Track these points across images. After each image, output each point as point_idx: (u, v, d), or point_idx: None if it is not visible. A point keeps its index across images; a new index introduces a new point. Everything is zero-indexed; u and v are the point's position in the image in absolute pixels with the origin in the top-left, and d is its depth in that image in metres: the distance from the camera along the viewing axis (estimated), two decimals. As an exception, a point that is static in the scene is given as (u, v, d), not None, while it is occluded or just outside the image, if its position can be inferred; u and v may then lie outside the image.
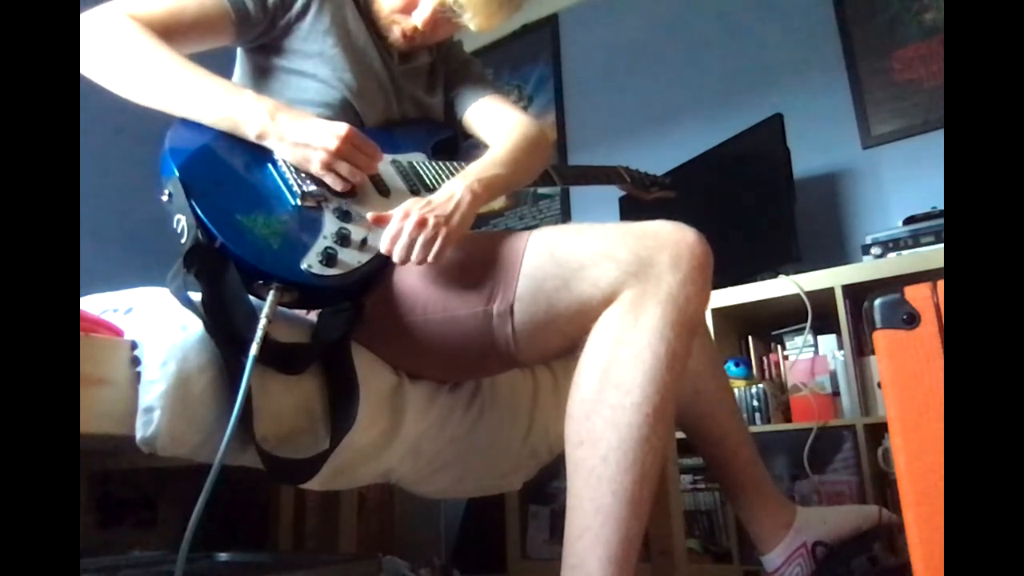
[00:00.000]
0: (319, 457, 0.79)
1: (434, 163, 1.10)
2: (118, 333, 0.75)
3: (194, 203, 0.81)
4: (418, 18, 1.11)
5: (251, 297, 0.80)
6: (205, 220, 0.80)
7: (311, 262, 0.83)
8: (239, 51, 1.10)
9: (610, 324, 0.81)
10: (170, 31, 0.94)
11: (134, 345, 0.73)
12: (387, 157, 1.04)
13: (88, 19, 0.91)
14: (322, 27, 1.05)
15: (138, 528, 1.70)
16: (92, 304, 0.84)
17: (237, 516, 1.66)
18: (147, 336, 0.73)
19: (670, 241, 0.82)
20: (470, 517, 2.38)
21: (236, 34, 1.02)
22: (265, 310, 0.77)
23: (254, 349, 0.73)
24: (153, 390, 0.70)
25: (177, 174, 0.83)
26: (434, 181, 1.08)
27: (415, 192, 1.03)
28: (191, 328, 0.74)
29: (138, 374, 0.71)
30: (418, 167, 1.07)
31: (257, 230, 0.83)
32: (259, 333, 0.74)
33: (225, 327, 0.76)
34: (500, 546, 2.15)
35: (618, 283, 0.81)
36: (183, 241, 0.80)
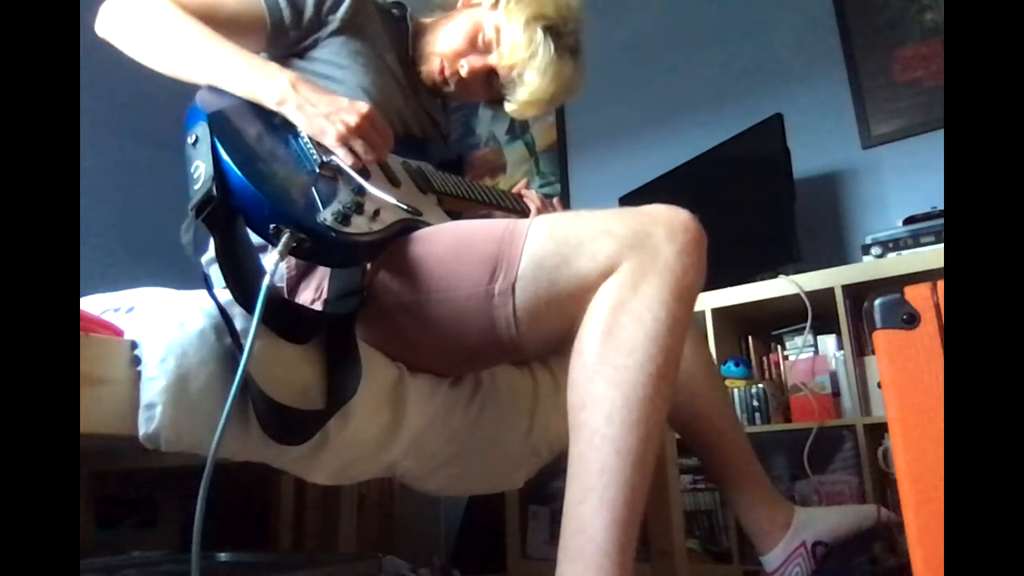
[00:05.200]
0: (317, 415, 0.79)
1: (441, 172, 1.13)
2: (118, 333, 0.75)
3: (219, 145, 0.82)
4: (465, 67, 1.17)
5: (260, 259, 0.83)
6: (228, 162, 0.81)
7: (326, 216, 0.84)
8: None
9: (610, 292, 0.81)
10: (205, 22, 0.95)
11: (134, 345, 0.73)
12: (398, 158, 1.06)
13: None
14: (353, 48, 1.08)
15: (138, 528, 1.70)
16: (92, 304, 0.84)
17: (237, 516, 1.66)
18: (146, 334, 0.73)
19: (665, 218, 0.84)
20: (470, 517, 2.38)
21: (268, 40, 1.04)
22: (279, 248, 0.79)
23: (266, 280, 0.74)
24: (153, 387, 0.70)
25: (206, 119, 0.85)
26: (442, 186, 1.09)
27: (422, 190, 1.05)
28: (189, 324, 0.74)
29: (139, 373, 0.71)
30: (426, 171, 1.10)
31: (277, 180, 0.84)
32: (272, 268, 0.75)
33: (235, 279, 0.77)
34: (500, 546, 2.15)
35: (617, 255, 0.82)
36: (196, 187, 0.82)
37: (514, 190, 1.28)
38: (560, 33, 1.16)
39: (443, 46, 1.18)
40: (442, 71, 1.18)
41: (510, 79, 1.16)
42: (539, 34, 1.13)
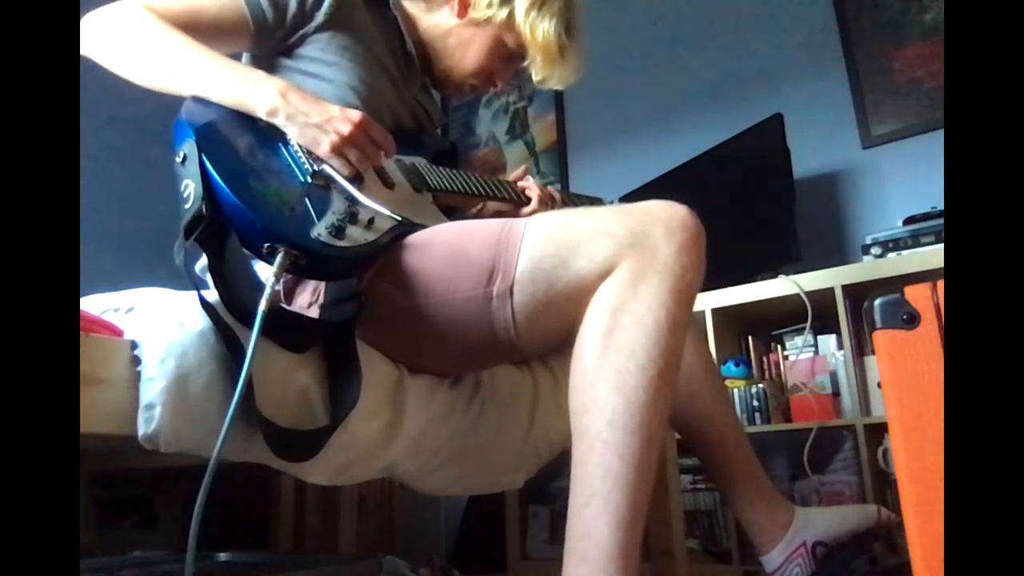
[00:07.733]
0: (321, 432, 0.78)
1: (435, 167, 1.11)
2: (118, 333, 0.75)
3: (208, 163, 0.81)
4: (500, 85, 1.26)
5: (254, 271, 0.82)
6: (218, 181, 0.80)
7: (320, 231, 0.83)
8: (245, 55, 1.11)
9: (609, 293, 0.81)
10: (187, 29, 0.94)
11: (134, 345, 0.73)
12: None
13: (104, 10, 0.93)
14: (340, 43, 1.07)
15: (138, 528, 1.71)
16: (92, 304, 0.84)
17: (237, 516, 1.66)
18: (146, 334, 0.73)
19: (663, 216, 0.84)
20: (470, 517, 2.38)
21: (253, 41, 1.03)
22: (274, 269, 0.78)
23: (263, 305, 0.73)
24: (153, 387, 0.70)
25: (193, 136, 0.83)
26: (437, 182, 1.08)
27: (417, 190, 1.04)
28: (189, 324, 0.74)
29: (138, 373, 0.71)
30: (420, 168, 1.08)
31: (269, 196, 0.83)
32: (268, 291, 0.75)
33: (230, 296, 0.77)
34: (500, 546, 2.15)
35: (615, 256, 0.82)
36: (187, 207, 0.81)
37: (511, 178, 1.27)
38: (573, 26, 1.22)
39: (469, 65, 1.21)
40: (474, 88, 1.25)
41: (540, 78, 1.22)
42: (564, 40, 1.18)
